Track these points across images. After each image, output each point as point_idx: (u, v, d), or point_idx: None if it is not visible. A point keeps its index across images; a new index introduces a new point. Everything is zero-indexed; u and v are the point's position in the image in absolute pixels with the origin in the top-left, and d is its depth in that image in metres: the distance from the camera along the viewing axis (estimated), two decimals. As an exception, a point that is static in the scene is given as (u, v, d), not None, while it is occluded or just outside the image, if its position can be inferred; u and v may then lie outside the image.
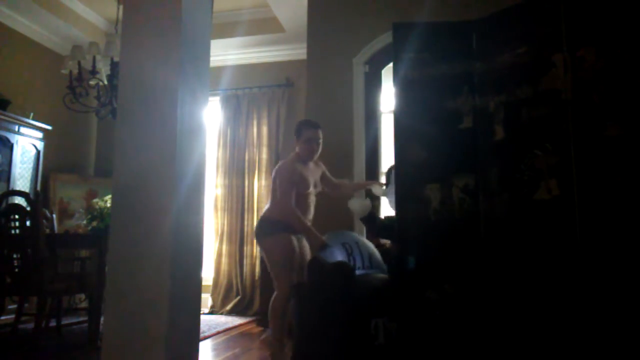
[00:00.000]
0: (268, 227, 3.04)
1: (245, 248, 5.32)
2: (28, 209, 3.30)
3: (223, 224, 5.40)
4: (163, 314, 1.95)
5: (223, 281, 5.33)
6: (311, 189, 3.13)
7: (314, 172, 3.21)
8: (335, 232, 3.14)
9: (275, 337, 3.01)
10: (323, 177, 3.30)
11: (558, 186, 2.06)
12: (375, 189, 3.29)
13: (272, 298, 3.03)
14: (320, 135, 3.16)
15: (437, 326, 2.27)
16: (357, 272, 2.78)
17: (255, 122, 5.45)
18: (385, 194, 3.23)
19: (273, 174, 3.13)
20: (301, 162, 3.14)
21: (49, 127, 4.84)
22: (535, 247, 2.12)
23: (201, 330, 2.42)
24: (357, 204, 3.11)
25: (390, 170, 3.14)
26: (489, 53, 2.33)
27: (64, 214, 5.20)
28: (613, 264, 1.92)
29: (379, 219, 3.28)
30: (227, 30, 5.16)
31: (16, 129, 4.48)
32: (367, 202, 3.13)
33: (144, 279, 2.01)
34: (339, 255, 2.84)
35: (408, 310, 2.30)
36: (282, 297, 2.96)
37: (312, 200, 3.17)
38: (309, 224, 3.07)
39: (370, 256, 2.94)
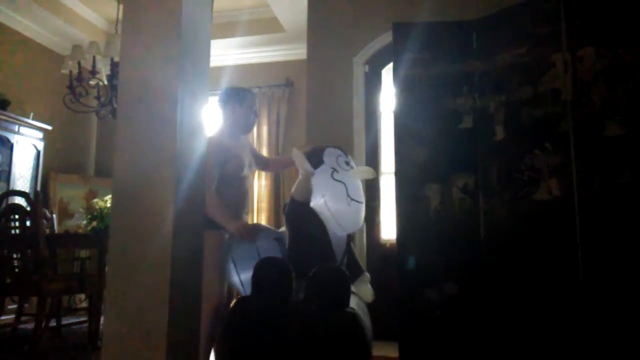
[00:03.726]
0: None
1: (245, 248, 5.30)
2: (28, 209, 3.30)
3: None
4: (163, 314, 1.95)
5: (223, 281, 5.32)
6: (246, 171, 2.51)
7: (246, 150, 2.60)
8: (256, 226, 2.57)
9: None
10: (255, 156, 2.71)
11: (558, 186, 2.06)
12: (301, 160, 2.30)
13: None
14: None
15: (436, 326, 2.26)
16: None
17: (255, 122, 5.44)
18: (310, 172, 2.24)
19: None
20: (232, 137, 2.54)
21: (49, 127, 4.84)
22: (535, 247, 2.12)
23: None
24: (301, 185, 2.29)
25: (318, 151, 2.27)
26: (489, 53, 2.33)
27: (64, 214, 5.20)
28: (613, 264, 1.92)
29: (307, 206, 2.27)
30: (227, 30, 5.16)
31: (16, 129, 4.48)
32: (310, 187, 2.24)
33: (144, 279, 2.00)
34: (271, 251, 2.28)
35: (408, 310, 2.30)
36: (211, 312, 2.31)
37: (249, 186, 2.57)
38: (229, 213, 2.37)
39: None
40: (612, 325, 1.90)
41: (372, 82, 3.96)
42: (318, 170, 2.19)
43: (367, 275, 2.18)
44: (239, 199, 2.47)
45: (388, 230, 3.73)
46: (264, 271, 2.05)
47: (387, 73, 3.85)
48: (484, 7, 2.59)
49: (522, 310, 2.12)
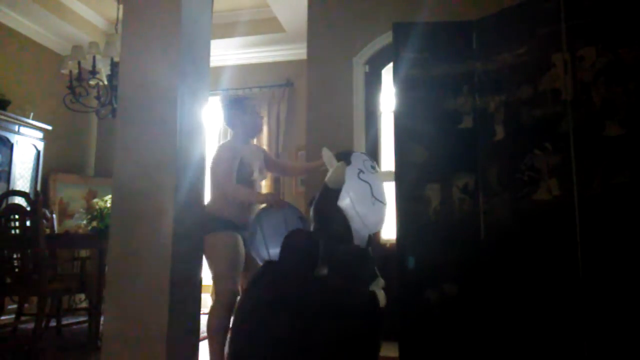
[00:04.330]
0: (209, 224, 2.45)
1: (245, 248, 5.31)
2: (28, 209, 3.30)
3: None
4: (163, 314, 1.95)
5: (223, 281, 5.32)
6: (256, 175, 2.63)
7: (256, 156, 2.72)
8: (290, 203, 2.61)
9: None
10: (267, 160, 2.82)
11: (558, 186, 2.05)
12: (329, 158, 2.38)
13: (209, 310, 2.46)
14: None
15: (436, 326, 2.26)
16: None
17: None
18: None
19: (211, 163, 2.58)
20: (242, 143, 2.66)
21: (49, 127, 4.84)
22: (535, 247, 2.12)
23: (201, 330, 2.42)
24: (338, 171, 2.30)
25: (346, 153, 2.40)
26: (489, 53, 2.33)
27: (64, 214, 5.20)
28: (613, 264, 1.92)
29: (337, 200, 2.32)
30: (227, 30, 5.15)
31: (16, 129, 4.48)
32: (343, 178, 2.28)
33: (144, 279, 2.01)
34: (298, 225, 2.37)
35: (408, 310, 2.30)
36: (223, 308, 2.40)
37: (259, 189, 2.71)
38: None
39: None
40: (612, 325, 1.90)
41: (372, 82, 3.96)
42: (347, 169, 2.28)
43: (382, 280, 2.22)
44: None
45: (388, 230, 3.73)
46: (293, 239, 2.20)
47: (387, 73, 3.84)
48: (484, 7, 2.60)
49: (522, 310, 2.12)
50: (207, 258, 2.49)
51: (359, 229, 2.22)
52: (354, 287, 2.07)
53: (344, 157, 2.34)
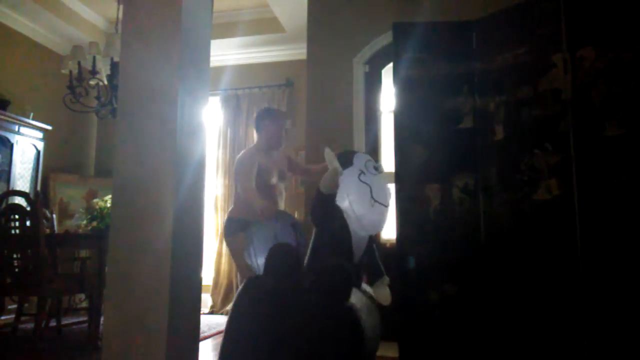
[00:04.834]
0: (233, 226, 2.85)
1: (245, 248, 5.31)
2: (28, 209, 3.30)
3: (223, 224, 5.40)
4: (163, 314, 1.95)
5: (223, 281, 5.33)
6: (275, 181, 2.90)
7: (279, 163, 3.00)
8: (280, 211, 2.79)
9: None
10: (292, 166, 3.11)
11: (558, 186, 2.06)
12: (331, 158, 2.42)
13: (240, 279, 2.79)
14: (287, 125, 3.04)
15: (436, 326, 2.27)
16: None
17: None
18: (339, 171, 2.35)
19: (234, 169, 2.90)
20: (264, 151, 2.96)
21: (49, 127, 4.84)
22: (535, 247, 2.12)
23: (201, 330, 2.42)
24: (331, 176, 2.35)
25: (349, 153, 2.45)
26: (489, 53, 2.33)
27: (64, 214, 5.20)
28: (613, 264, 1.92)
29: (333, 202, 2.42)
30: (227, 30, 5.16)
31: (16, 129, 4.48)
32: (336, 181, 2.34)
33: (144, 279, 2.01)
34: (289, 240, 2.44)
35: (407, 310, 2.30)
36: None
37: (279, 193, 2.96)
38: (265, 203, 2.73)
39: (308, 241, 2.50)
40: (612, 325, 1.90)
41: (372, 82, 3.96)
42: (346, 171, 2.30)
43: (387, 278, 2.25)
44: (270, 202, 2.76)
45: (388, 230, 3.73)
46: (274, 255, 2.21)
47: (387, 73, 3.84)
48: (484, 7, 2.60)
49: (522, 310, 2.12)
50: (233, 257, 2.83)
51: (357, 230, 2.23)
52: (331, 304, 2.06)
53: (346, 157, 2.34)
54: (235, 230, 2.80)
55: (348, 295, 2.07)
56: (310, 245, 2.40)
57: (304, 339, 2.02)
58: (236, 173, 2.87)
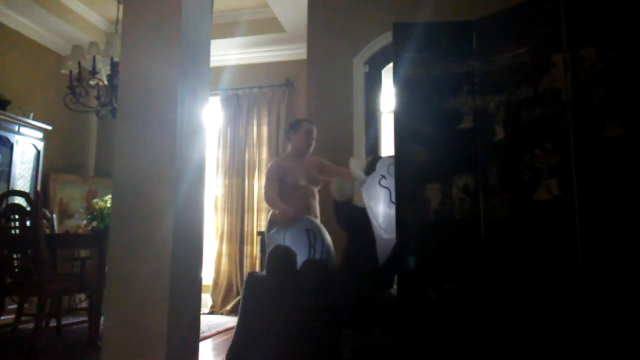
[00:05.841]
0: (267, 226, 3.17)
1: (245, 248, 5.32)
2: (28, 209, 3.30)
3: (223, 224, 5.40)
4: (163, 314, 1.95)
5: (223, 281, 5.34)
6: (302, 182, 3.19)
7: (308, 167, 3.29)
8: (301, 216, 2.88)
9: None
10: (323, 169, 3.35)
11: (558, 186, 2.05)
12: (354, 167, 2.66)
13: None
14: (315, 131, 3.32)
15: (436, 326, 2.26)
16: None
17: (255, 122, 5.45)
18: (361, 180, 2.55)
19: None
20: (293, 157, 3.30)
21: (49, 127, 4.84)
22: (535, 247, 2.12)
23: (201, 330, 2.42)
24: (337, 185, 2.59)
25: (374, 160, 2.58)
26: (489, 53, 2.33)
27: (64, 214, 5.20)
28: (613, 264, 1.92)
29: (353, 207, 2.69)
30: (227, 30, 5.16)
31: (16, 129, 4.48)
32: (349, 186, 2.61)
33: (144, 279, 2.01)
34: (301, 244, 2.61)
35: (408, 311, 2.30)
36: None
37: (305, 195, 3.21)
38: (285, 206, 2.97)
39: (328, 247, 2.70)
40: (612, 326, 1.90)
41: (372, 82, 3.96)
42: (369, 177, 2.46)
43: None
44: (295, 205, 3.02)
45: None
46: (271, 256, 2.52)
47: (387, 73, 3.85)
48: (484, 7, 2.59)
49: (523, 310, 2.12)
50: None
51: (380, 233, 2.36)
52: (319, 307, 2.28)
53: (370, 164, 2.50)
54: (268, 230, 3.10)
55: (334, 291, 2.31)
56: (344, 248, 2.58)
57: (295, 330, 2.26)
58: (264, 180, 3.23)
